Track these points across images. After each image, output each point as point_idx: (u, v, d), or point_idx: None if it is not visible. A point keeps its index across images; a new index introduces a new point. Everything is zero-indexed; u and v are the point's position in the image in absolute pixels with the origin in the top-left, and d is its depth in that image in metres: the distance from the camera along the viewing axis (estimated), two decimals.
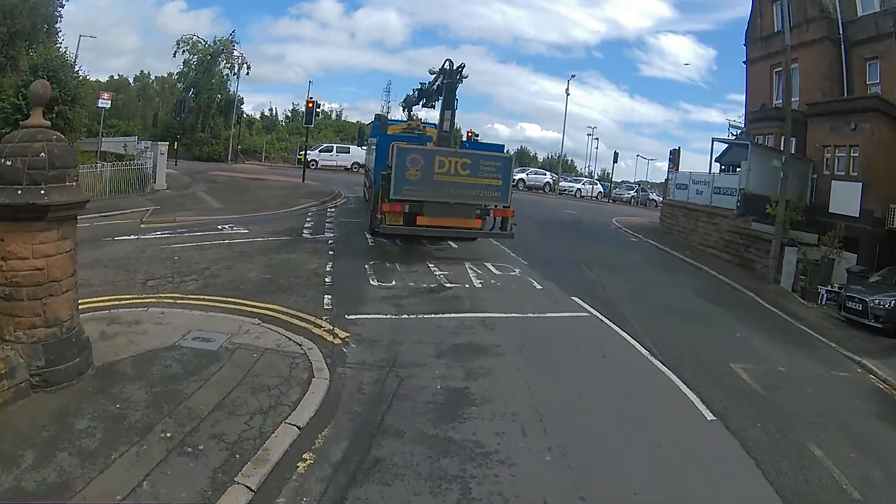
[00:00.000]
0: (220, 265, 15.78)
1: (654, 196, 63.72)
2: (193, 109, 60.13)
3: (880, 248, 25.93)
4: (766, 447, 9.40)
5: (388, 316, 13.04)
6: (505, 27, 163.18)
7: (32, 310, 7.65)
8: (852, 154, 27.50)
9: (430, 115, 27.25)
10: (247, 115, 75.36)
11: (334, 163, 56.74)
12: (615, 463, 8.22)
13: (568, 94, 68.80)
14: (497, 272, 18.17)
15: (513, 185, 20.52)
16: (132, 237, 18.64)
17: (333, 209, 28.27)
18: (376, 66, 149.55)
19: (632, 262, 24.05)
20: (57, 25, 42.17)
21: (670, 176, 38.90)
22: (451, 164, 18.70)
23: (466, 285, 16.28)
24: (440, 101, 21.78)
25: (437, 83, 22.31)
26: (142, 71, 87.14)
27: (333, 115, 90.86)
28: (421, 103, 27.06)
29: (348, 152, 56.61)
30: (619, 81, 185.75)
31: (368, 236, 21.45)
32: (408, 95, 29.30)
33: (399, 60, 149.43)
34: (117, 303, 11.94)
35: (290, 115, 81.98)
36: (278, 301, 12.98)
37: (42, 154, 7.54)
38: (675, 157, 46.36)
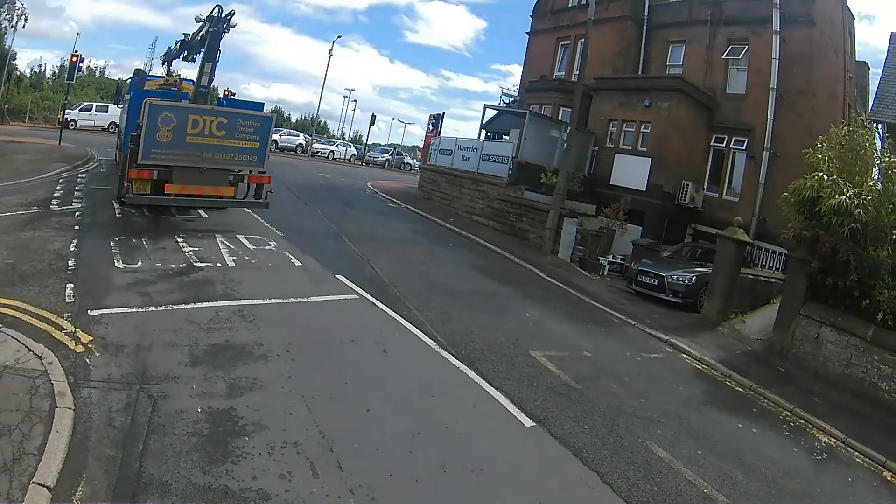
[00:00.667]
0: None
1: (409, 160, 68.11)
2: None
3: (668, 223, 28.11)
4: (605, 455, 8.96)
5: (135, 309, 11.80)
6: None
7: None
8: (642, 130, 29.44)
9: (193, 72, 25.27)
10: (19, 71, 67.91)
11: (93, 122, 54.09)
12: (437, 500, 7.32)
13: (331, 56, 69.19)
14: (251, 247, 17.52)
15: (270, 147, 19.29)
16: None
17: (84, 174, 26.95)
18: (145, 23, 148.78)
19: (395, 232, 24.10)
20: None
21: (434, 140, 39.52)
22: (205, 124, 17.24)
23: (219, 264, 15.44)
24: (202, 53, 19.67)
25: (201, 33, 20.00)
26: None
27: (98, 73, 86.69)
28: (182, 56, 24.42)
29: (106, 111, 53.90)
30: (382, 47, 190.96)
31: (116, 206, 20.16)
32: (168, 48, 26.84)
33: (167, 17, 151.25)
34: None
35: (57, 72, 75.54)
36: (20, 294, 11.87)
37: None
38: (437, 122, 48.06)
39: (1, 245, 15.09)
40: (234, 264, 15.59)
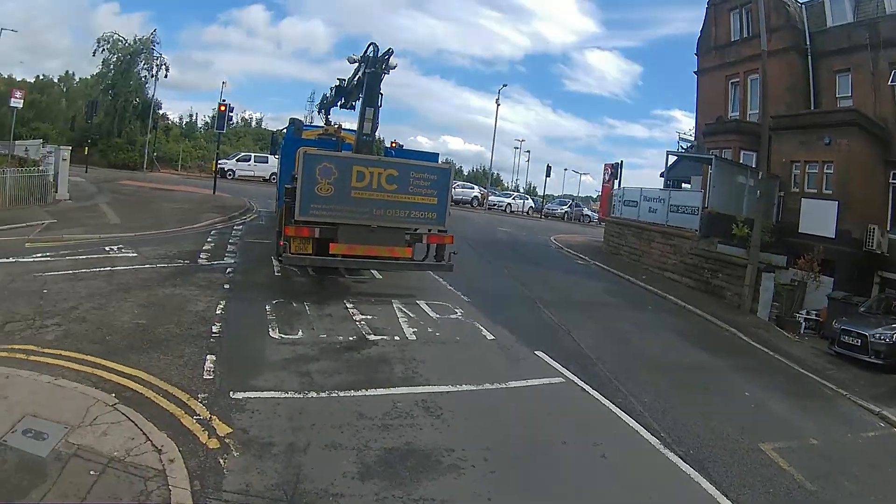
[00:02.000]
0: (92, 303, 13.96)
1: (587, 211, 67.51)
2: (110, 113, 61.40)
3: (858, 272, 26.03)
4: None
5: (290, 394, 10.39)
6: (430, 40, 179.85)
7: None
8: (825, 171, 27.85)
9: (352, 119, 24.87)
10: (170, 121, 76.46)
11: (252, 173, 57.32)
12: None
13: (498, 105, 71.39)
14: (434, 315, 16.07)
15: (451, 204, 17.89)
16: (10, 259, 17.25)
17: (241, 226, 27.16)
18: (301, 77, 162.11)
19: (591, 295, 23.05)
20: None
21: (616, 191, 38.67)
22: (373, 177, 16.18)
23: (396, 337, 13.98)
24: (361, 98, 19.10)
25: (357, 76, 19.76)
26: (66, 71, 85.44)
27: (254, 124, 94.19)
28: (339, 104, 24.49)
29: (266, 162, 56.63)
30: (543, 96, 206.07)
31: (275, 263, 19.48)
32: (324, 96, 27.18)
33: (323, 71, 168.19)
34: None
35: (209, 122, 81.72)
36: (147, 363, 10.84)
37: None
38: (615, 171, 47.98)
39: (136, 302, 14.42)
40: (414, 337, 14.11)
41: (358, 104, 19.89)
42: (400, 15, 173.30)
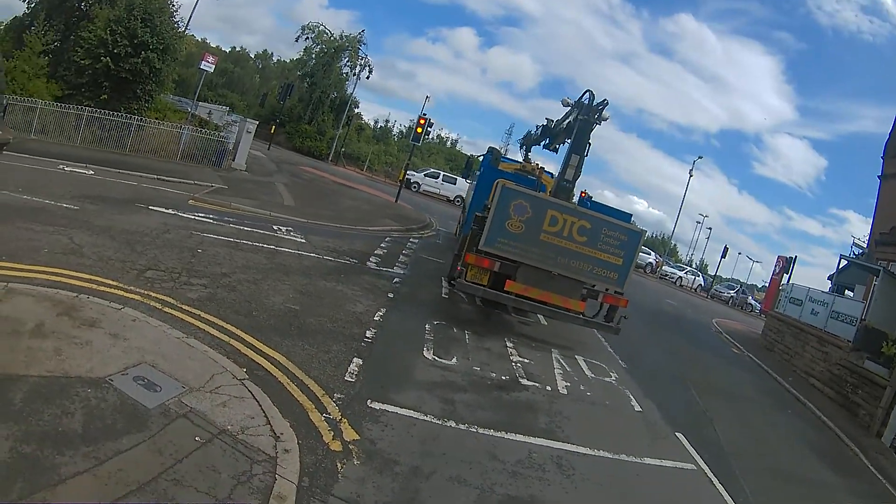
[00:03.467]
0: (245, 275, 14.55)
1: (751, 300, 67.38)
2: (304, 99, 66.36)
3: None
4: None
5: (428, 418, 10.28)
6: (632, 97, 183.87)
7: None
8: None
9: (548, 160, 26.30)
10: (364, 121, 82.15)
11: (437, 190, 59.25)
12: None
13: (691, 176, 72.82)
14: (590, 374, 15.91)
15: (630, 268, 17.60)
16: (170, 211, 18.65)
17: (416, 240, 27.46)
18: (501, 107, 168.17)
19: (737, 386, 22.57)
20: None
21: (785, 287, 39.77)
22: (565, 224, 16.42)
23: (548, 387, 13.80)
24: (568, 142, 19.55)
25: (567, 120, 20.27)
26: (265, 50, 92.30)
27: (448, 143, 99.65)
28: (542, 143, 25.54)
29: (454, 183, 58.57)
30: (731, 174, 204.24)
31: (444, 285, 19.90)
32: (528, 132, 28.11)
33: (524, 107, 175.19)
34: (92, 287, 10.97)
35: (404, 131, 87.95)
36: (290, 349, 10.96)
37: None
38: (788, 265, 48.75)
39: (292, 286, 14.78)
40: (566, 392, 13.98)
41: (562, 148, 20.92)
42: (607, 66, 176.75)
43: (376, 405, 9.93)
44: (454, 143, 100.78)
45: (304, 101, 66.26)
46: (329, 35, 68.47)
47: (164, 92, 37.70)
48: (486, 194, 18.73)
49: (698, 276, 71.49)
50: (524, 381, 13.57)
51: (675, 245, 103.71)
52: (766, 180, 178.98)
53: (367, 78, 71.73)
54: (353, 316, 13.87)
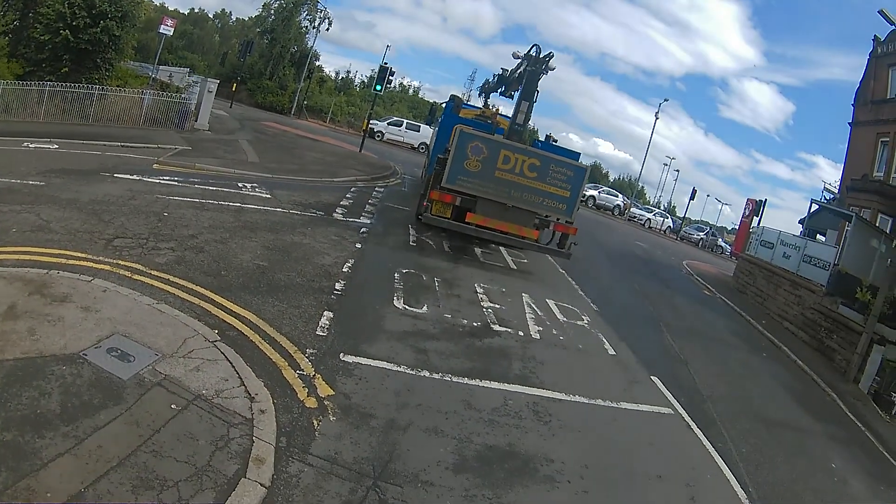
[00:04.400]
0: (213, 235, 14.50)
1: (721, 242, 68.54)
2: (265, 55, 66.15)
3: None
4: None
5: (401, 368, 10.28)
6: (595, 41, 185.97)
7: None
8: None
9: (509, 107, 27.07)
10: (325, 73, 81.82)
11: (401, 139, 59.37)
12: None
13: (657, 119, 73.71)
14: (561, 318, 15.84)
15: (581, 201, 20.69)
16: (134, 177, 18.42)
17: (382, 189, 27.51)
18: (463, 54, 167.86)
19: (712, 328, 22.62)
20: None
21: (755, 229, 39.28)
22: (517, 162, 18.68)
23: (521, 332, 13.76)
24: (519, 90, 21.97)
25: (519, 70, 23.38)
26: (223, 9, 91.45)
27: (411, 92, 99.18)
28: (499, 91, 28.50)
29: (418, 131, 58.73)
30: (698, 117, 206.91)
31: (412, 232, 20.09)
32: (486, 81, 31.19)
33: (487, 53, 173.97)
34: (62, 262, 10.84)
35: (366, 82, 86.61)
36: (260, 306, 10.95)
37: None
38: (758, 208, 49.76)
39: (260, 242, 14.68)
40: (538, 336, 13.94)
41: (516, 95, 22.58)
42: (568, 11, 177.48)
43: (349, 358, 9.95)
44: (416, 91, 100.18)
45: (265, 58, 65.78)
46: None
47: (124, 59, 36.66)
48: (447, 139, 20.49)
49: (667, 217, 71.84)
50: (496, 327, 13.51)
51: (642, 187, 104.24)
52: (733, 123, 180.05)
53: (327, 30, 71.24)
54: (321, 269, 13.82)
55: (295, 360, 9.28)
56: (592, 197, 59.41)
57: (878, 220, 31.05)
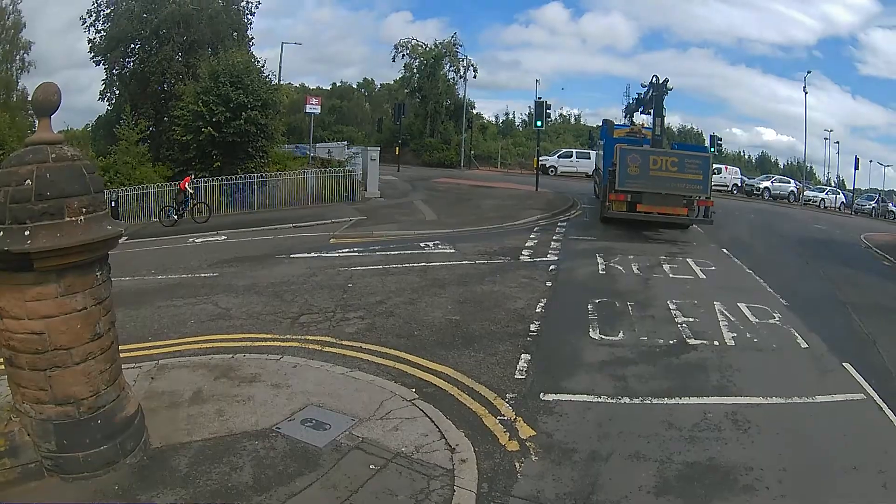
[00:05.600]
0: (401, 298, 14.82)
1: (892, 207, 64.15)
2: (420, 114, 68.09)
3: None
4: None
5: (601, 399, 10.11)
6: (728, 28, 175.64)
7: (36, 382, 6.58)
8: None
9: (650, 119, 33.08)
10: (485, 120, 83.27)
11: (574, 169, 59.13)
12: None
13: (806, 93, 70.49)
14: (754, 319, 15.26)
15: (712, 179, 27.60)
16: (312, 255, 19.29)
17: (565, 223, 27.78)
18: (611, 71, 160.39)
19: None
20: (249, 33, 47.38)
21: None
22: (662, 162, 25.36)
23: (716, 342, 13.35)
24: (652, 109, 29.33)
25: (648, 94, 30.31)
26: (365, 78, 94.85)
27: (572, 120, 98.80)
28: (640, 110, 34.87)
29: (589, 158, 56.87)
30: (841, 81, 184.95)
31: (600, 261, 20.08)
32: (628, 104, 37.65)
33: (632, 64, 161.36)
34: (249, 345, 11.40)
35: (527, 119, 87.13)
36: (457, 360, 10.99)
37: (28, 182, 6.16)
38: None
39: (450, 297, 14.86)
40: (733, 343, 13.49)
41: (653, 112, 29.68)
42: (694, 4, 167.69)
43: (549, 397, 9.79)
44: (577, 118, 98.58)
45: (421, 116, 67.53)
46: (424, 47, 69.24)
47: (276, 144, 39.07)
48: (610, 155, 26.77)
49: (838, 193, 68.45)
50: (692, 341, 13.20)
51: (810, 168, 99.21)
52: (875, 80, 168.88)
53: (475, 77, 71.81)
54: (514, 313, 13.75)
55: (495, 407, 9.20)
56: (767, 188, 60.00)
57: None
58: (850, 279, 22.72)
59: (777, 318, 15.61)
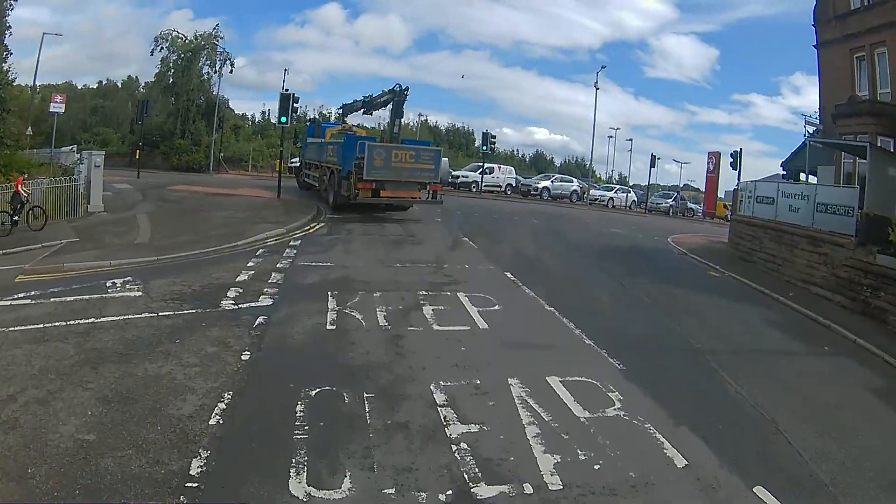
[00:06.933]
0: (38, 391, 8.94)
1: (692, 205, 66.73)
2: (173, 113, 60.97)
3: None
4: None
5: None
6: (508, 31, 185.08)
7: None
8: None
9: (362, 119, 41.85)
10: (241, 120, 78.10)
11: None
12: None
13: (597, 89, 67.55)
14: (579, 410, 9.73)
15: (440, 168, 31.38)
16: None
17: (300, 239, 22.63)
18: (381, 72, 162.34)
19: (754, 331, 16.73)
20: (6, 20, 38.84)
21: (743, 185, 34.58)
22: (403, 155, 28.98)
23: (526, 485, 7.51)
24: (390, 111, 35.22)
25: (383, 98, 35.45)
26: (129, 76, 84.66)
27: (332, 118, 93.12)
28: (362, 111, 39.51)
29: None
30: (625, 84, 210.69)
31: (331, 304, 14.41)
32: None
33: (403, 66, 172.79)
34: None
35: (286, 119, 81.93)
36: None
37: None
38: (734, 161, 43.72)
39: (95, 390, 9.20)
40: (559, 485, 7.69)
41: (377, 112, 38.29)
42: (476, 7, 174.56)
43: None
44: (339, 117, 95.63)
45: (173, 115, 60.52)
46: (183, 39, 62.42)
47: (9, 148, 30.71)
48: (352, 150, 28.74)
49: (629, 192, 67.86)
50: (480, 491, 7.29)
51: (590, 165, 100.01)
52: (661, 82, 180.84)
53: (231, 72, 65.43)
54: (176, 428, 8.15)
55: None
56: (546, 188, 56.93)
57: (879, 143, 27.33)
58: (684, 305, 18.50)
59: (617, 405, 10.10)
